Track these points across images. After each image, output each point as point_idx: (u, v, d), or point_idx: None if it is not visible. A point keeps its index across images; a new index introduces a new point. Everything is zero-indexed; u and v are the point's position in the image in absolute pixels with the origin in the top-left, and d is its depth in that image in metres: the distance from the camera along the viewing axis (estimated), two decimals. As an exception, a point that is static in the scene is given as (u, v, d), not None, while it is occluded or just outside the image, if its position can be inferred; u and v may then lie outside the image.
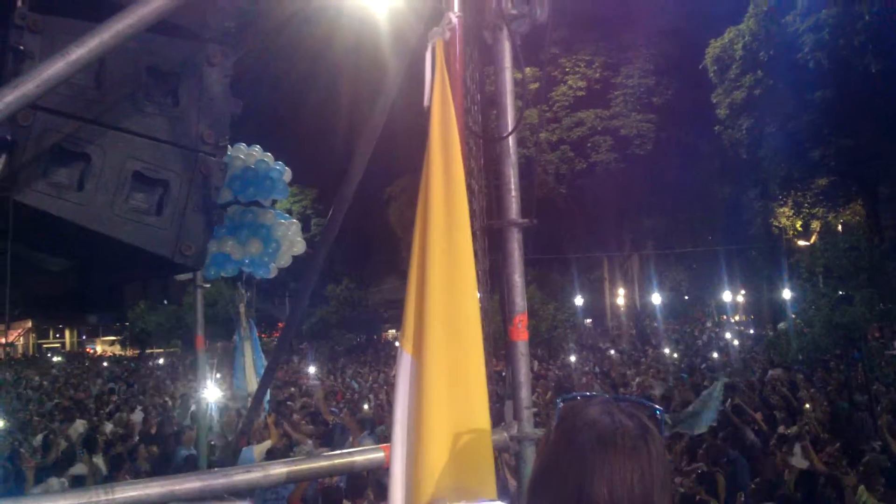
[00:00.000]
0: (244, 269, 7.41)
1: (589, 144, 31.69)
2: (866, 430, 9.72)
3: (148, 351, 46.71)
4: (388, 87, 3.02)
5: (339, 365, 29.68)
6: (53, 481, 7.78)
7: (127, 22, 2.06)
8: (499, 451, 2.49)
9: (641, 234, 38.17)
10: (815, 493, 7.03)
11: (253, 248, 7.24)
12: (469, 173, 2.63)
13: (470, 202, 2.40)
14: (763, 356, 19.47)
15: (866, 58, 20.23)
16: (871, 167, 24.90)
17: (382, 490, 6.39)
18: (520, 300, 2.66)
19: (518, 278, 2.67)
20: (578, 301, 36.89)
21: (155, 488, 2.04)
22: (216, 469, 2.39)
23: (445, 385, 2.18)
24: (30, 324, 61.01)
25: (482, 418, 2.21)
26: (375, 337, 46.76)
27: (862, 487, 6.85)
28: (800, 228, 30.11)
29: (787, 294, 26.55)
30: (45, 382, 28.21)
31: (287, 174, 7.39)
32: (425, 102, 2.43)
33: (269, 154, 7.32)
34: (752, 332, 33.55)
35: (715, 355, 22.62)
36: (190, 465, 8.73)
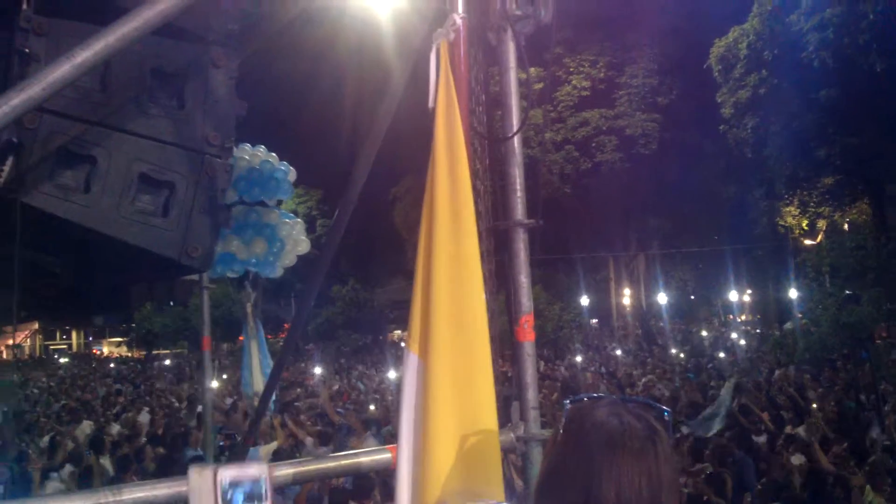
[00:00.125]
0: (250, 269, 7.41)
1: (594, 144, 31.68)
2: (872, 429, 9.70)
3: (154, 352, 46.82)
4: (392, 88, 3.02)
5: (345, 365, 29.69)
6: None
7: (132, 25, 2.06)
8: (505, 451, 2.48)
9: (647, 234, 38.08)
10: (823, 493, 7.00)
11: (258, 248, 7.24)
12: (474, 174, 2.63)
13: (475, 203, 2.40)
14: (770, 356, 19.41)
15: (871, 56, 20.18)
16: (876, 166, 24.76)
17: (389, 491, 6.39)
18: (526, 301, 2.65)
19: (524, 279, 2.66)
20: (584, 301, 36.88)
21: (162, 489, 2.03)
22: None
23: (452, 386, 2.17)
24: (36, 325, 61.32)
25: (489, 419, 2.21)
26: (381, 337, 46.77)
27: (868, 487, 6.83)
28: (806, 228, 29.97)
29: (793, 293, 26.43)
30: (51, 384, 28.33)
31: (292, 174, 7.37)
32: (430, 104, 2.42)
33: (274, 154, 7.31)
34: (758, 331, 33.44)
35: (721, 355, 22.57)
36: (196, 467, 8.72)
